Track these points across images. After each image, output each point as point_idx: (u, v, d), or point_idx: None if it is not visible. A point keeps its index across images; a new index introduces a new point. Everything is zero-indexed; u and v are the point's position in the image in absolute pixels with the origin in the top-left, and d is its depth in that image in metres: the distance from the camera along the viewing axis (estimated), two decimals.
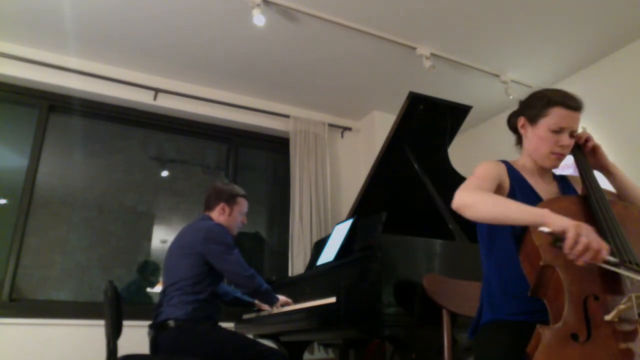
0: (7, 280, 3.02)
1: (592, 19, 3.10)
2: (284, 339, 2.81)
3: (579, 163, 1.50)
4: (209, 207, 2.53)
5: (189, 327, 2.19)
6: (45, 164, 3.37)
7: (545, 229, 1.13)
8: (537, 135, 1.47)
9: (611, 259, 1.13)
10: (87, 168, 3.55)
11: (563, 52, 3.46)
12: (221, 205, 2.50)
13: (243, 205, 2.58)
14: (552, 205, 1.29)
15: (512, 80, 3.74)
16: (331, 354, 3.50)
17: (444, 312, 1.70)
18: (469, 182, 1.41)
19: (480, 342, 1.40)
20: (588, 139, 1.51)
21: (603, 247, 1.12)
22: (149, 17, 3.05)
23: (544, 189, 1.49)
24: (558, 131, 1.42)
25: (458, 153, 3.34)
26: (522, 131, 1.53)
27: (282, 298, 2.49)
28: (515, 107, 1.61)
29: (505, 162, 1.54)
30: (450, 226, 2.31)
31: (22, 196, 3.21)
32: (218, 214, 2.50)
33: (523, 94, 1.56)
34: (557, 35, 3.27)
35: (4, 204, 3.26)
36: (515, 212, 1.23)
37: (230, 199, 2.53)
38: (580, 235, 1.10)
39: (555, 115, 1.42)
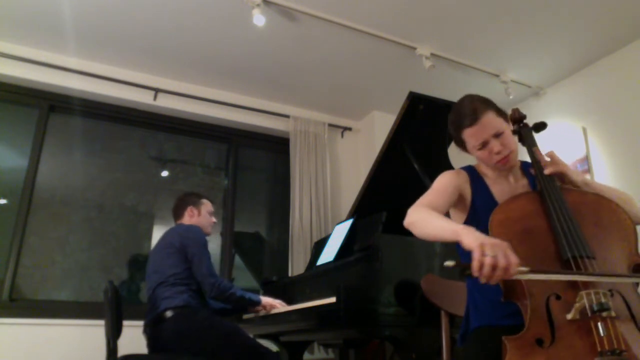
0: (7, 280, 3.02)
1: (592, 19, 3.10)
2: (284, 339, 2.81)
3: (531, 157, 1.48)
4: (179, 215, 2.63)
5: (187, 313, 2.21)
6: (45, 164, 3.37)
7: (450, 263, 1.08)
8: (475, 156, 1.48)
9: (522, 268, 1.08)
10: (87, 168, 3.55)
11: (563, 52, 3.46)
12: (189, 209, 2.60)
13: (208, 205, 2.69)
14: (507, 207, 1.31)
15: (512, 80, 3.74)
16: (331, 354, 3.50)
17: (442, 313, 1.70)
18: (422, 198, 1.45)
19: (469, 349, 1.39)
20: (550, 165, 1.41)
21: (511, 262, 1.05)
22: (149, 17, 3.05)
23: (507, 191, 1.45)
24: (483, 146, 1.41)
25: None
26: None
27: (265, 300, 2.50)
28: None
29: (470, 169, 1.54)
30: None
31: (22, 196, 3.21)
32: (189, 218, 2.59)
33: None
34: (557, 35, 3.27)
35: (4, 204, 3.26)
36: (438, 229, 1.27)
37: (195, 202, 2.63)
38: (485, 256, 1.05)
39: (468, 137, 1.42)
